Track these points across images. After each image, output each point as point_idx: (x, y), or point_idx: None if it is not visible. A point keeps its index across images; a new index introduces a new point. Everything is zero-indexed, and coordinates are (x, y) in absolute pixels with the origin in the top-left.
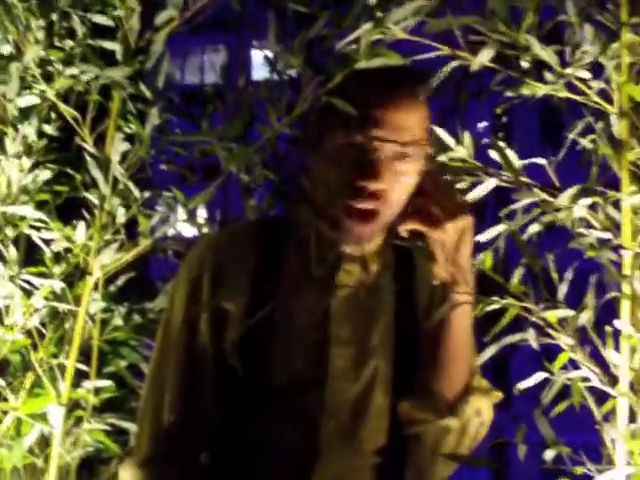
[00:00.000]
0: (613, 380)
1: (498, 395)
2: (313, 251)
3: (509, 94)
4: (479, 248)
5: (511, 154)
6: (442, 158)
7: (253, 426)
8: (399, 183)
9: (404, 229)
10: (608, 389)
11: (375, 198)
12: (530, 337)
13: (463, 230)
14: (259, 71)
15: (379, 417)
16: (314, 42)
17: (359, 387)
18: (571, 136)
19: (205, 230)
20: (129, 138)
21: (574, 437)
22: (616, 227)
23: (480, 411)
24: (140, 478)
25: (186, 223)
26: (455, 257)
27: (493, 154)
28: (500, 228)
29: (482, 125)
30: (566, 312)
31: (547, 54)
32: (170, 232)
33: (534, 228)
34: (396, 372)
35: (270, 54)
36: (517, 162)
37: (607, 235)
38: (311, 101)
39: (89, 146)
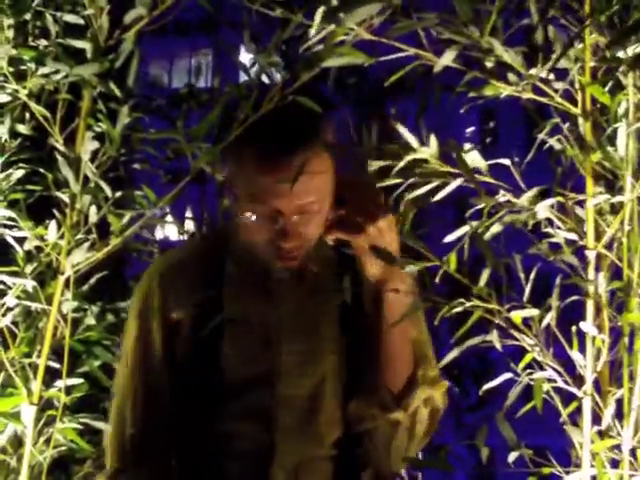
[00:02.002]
0: (579, 381)
1: (445, 384)
2: (249, 261)
3: (477, 95)
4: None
5: (476, 156)
6: (406, 159)
7: (212, 425)
8: (312, 224)
9: (330, 239)
10: (574, 390)
11: (293, 250)
12: (494, 339)
13: (385, 229)
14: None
15: (334, 409)
16: (289, 43)
17: (311, 382)
18: (541, 136)
19: (185, 230)
20: (100, 137)
21: (552, 440)
22: (582, 228)
23: (429, 401)
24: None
25: (159, 223)
26: None
27: (469, 158)
28: (465, 229)
29: (470, 130)
30: (530, 312)
31: (510, 56)
32: (158, 235)
33: (495, 229)
34: (347, 365)
35: (246, 57)
36: (482, 163)
37: (573, 236)
38: (277, 100)
39: (59, 145)
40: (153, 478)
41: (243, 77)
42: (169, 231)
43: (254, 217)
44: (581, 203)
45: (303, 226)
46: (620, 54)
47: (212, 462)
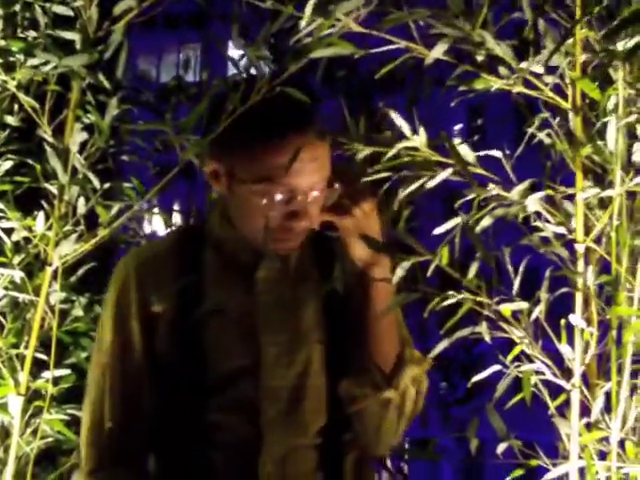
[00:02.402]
0: (568, 374)
1: (429, 362)
2: (230, 251)
3: (464, 89)
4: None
5: (465, 148)
6: (398, 146)
7: (198, 417)
8: (315, 206)
9: (317, 222)
10: (562, 382)
11: (300, 232)
12: (483, 331)
13: (368, 211)
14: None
15: (318, 399)
16: (278, 36)
17: (294, 372)
18: (531, 130)
19: (172, 223)
20: (89, 128)
21: (539, 435)
22: (572, 222)
23: (416, 380)
24: (103, 475)
25: (147, 214)
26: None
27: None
28: (455, 222)
29: (457, 127)
30: (519, 305)
31: (501, 49)
32: (146, 230)
33: (486, 222)
34: (331, 353)
35: (234, 52)
36: (471, 155)
37: (562, 230)
38: (265, 92)
39: (48, 136)
40: (131, 478)
41: (231, 71)
42: (156, 225)
43: (264, 199)
44: (570, 197)
45: (310, 207)
46: (613, 48)
47: (199, 454)
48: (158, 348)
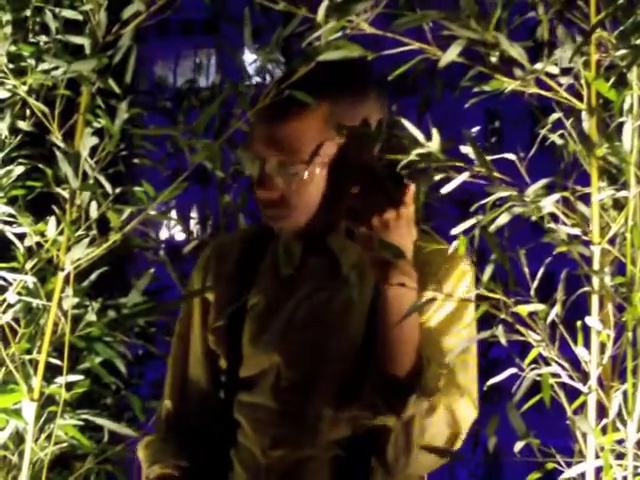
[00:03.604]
0: (584, 376)
1: (454, 398)
2: (281, 247)
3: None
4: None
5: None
6: (413, 154)
7: (225, 414)
8: (299, 189)
9: (343, 226)
10: (579, 385)
11: (274, 203)
12: (499, 334)
13: (390, 222)
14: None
15: (337, 409)
16: (290, 40)
17: (313, 378)
18: (543, 132)
19: (186, 227)
20: (99, 133)
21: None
22: (587, 223)
23: (433, 410)
24: (150, 447)
25: (158, 218)
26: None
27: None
28: (471, 222)
29: (474, 130)
30: (536, 306)
31: (516, 50)
32: (163, 236)
33: (503, 219)
34: (355, 362)
35: (249, 56)
36: (487, 158)
37: (576, 231)
38: (274, 95)
39: (58, 141)
40: (180, 450)
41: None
42: (174, 230)
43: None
44: (584, 199)
45: (282, 182)
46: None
47: (221, 449)
48: (208, 335)
